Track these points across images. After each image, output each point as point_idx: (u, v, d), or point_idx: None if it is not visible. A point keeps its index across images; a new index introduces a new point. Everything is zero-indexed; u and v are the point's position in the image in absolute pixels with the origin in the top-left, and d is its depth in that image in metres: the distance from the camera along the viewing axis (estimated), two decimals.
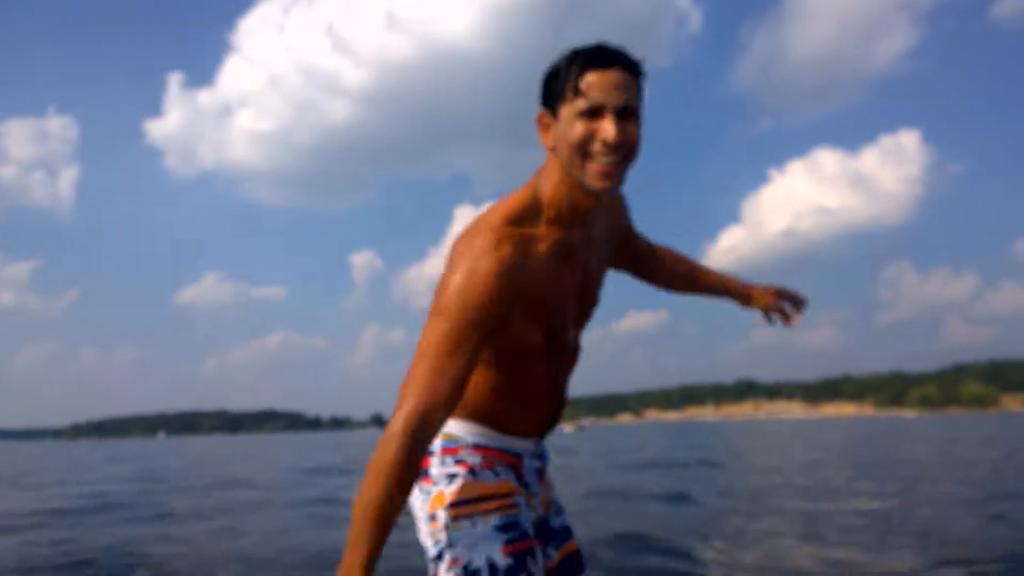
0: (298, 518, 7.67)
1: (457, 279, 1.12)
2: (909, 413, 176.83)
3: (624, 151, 1.14)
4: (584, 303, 1.32)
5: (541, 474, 1.39)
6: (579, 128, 1.12)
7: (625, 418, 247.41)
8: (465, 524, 1.20)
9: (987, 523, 6.07)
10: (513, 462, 1.31)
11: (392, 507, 1.04)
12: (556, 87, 1.16)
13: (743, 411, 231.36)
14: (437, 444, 1.28)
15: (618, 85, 1.12)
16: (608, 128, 1.11)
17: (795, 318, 1.60)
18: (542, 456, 1.40)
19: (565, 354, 1.30)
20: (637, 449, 22.92)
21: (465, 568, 1.16)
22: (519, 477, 1.31)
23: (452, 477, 1.24)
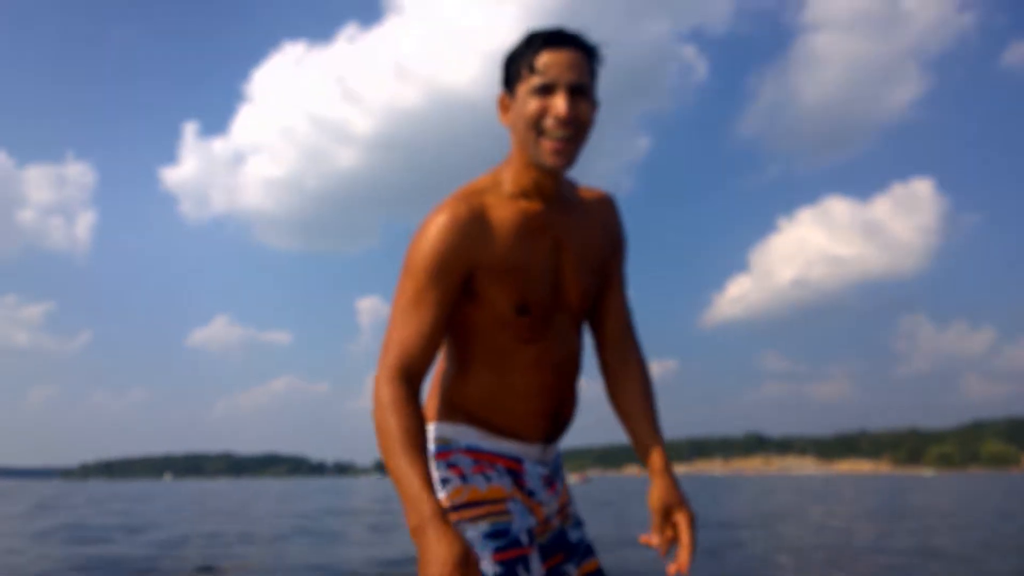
0: None
1: (414, 241, 1.20)
2: (927, 471, 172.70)
3: (575, 127, 1.18)
4: (570, 288, 1.29)
5: (550, 482, 1.33)
6: (533, 104, 1.17)
7: (632, 470, 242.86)
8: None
9: None
10: (511, 466, 1.28)
11: (412, 435, 1.10)
12: (514, 68, 1.21)
13: (753, 465, 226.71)
14: (432, 449, 1.27)
15: (571, 64, 1.17)
16: (560, 104, 1.16)
17: (664, 549, 1.23)
18: (553, 465, 1.35)
19: (548, 337, 1.27)
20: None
21: None
22: (519, 482, 1.27)
23: (444, 482, 1.23)
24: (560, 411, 1.31)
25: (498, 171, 1.28)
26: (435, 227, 1.18)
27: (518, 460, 1.28)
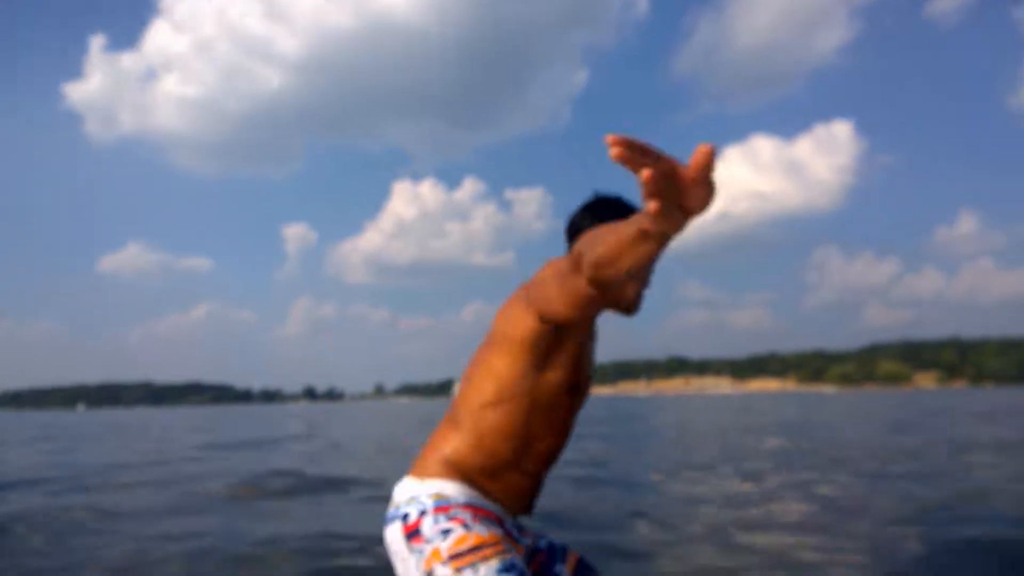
0: None
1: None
2: (828, 389, 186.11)
3: None
4: (586, 384, 1.49)
5: (520, 529, 1.55)
6: None
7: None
8: (468, 573, 1.27)
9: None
10: (498, 520, 1.44)
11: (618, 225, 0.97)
12: None
13: (674, 386, 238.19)
14: (429, 504, 1.38)
15: None
16: None
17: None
18: (519, 527, 1.55)
19: (564, 432, 1.47)
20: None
21: None
22: (507, 532, 1.44)
23: (447, 532, 1.33)
24: (536, 496, 1.52)
25: None
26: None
27: (501, 518, 1.45)
